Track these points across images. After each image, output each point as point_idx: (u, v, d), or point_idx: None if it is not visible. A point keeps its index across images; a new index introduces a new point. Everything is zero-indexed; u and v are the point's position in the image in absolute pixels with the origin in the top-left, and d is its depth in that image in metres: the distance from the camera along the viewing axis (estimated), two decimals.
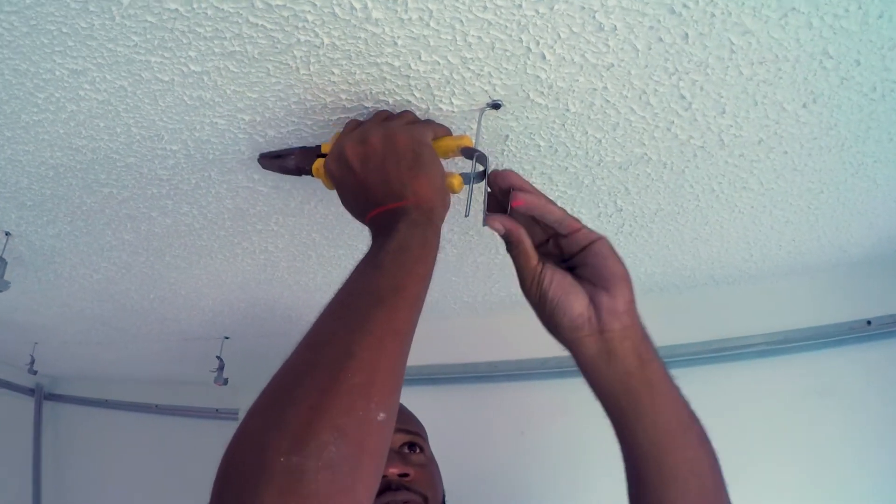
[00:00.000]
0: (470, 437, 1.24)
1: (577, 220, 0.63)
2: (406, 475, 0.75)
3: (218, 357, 1.52)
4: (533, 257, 0.64)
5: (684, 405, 0.61)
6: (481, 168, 0.65)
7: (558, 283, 0.63)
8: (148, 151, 0.83)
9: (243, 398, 0.90)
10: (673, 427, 0.59)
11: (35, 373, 1.88)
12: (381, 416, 0.43)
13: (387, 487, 0.73)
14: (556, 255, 0.66)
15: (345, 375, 0.43)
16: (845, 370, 1.04)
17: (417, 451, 0.81)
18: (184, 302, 1.32)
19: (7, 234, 1.12)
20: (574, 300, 0.62)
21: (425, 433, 0.86)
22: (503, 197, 0.64)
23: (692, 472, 0.58)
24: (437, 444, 1.27)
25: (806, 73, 0.67)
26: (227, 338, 1.53)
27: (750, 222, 0.95)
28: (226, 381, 1.52)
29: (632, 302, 0.61)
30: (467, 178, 0.65)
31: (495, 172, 0.64)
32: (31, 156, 0.85)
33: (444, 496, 0.80)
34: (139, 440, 2.03)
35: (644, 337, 0.62)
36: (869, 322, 1.05)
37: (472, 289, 1.19)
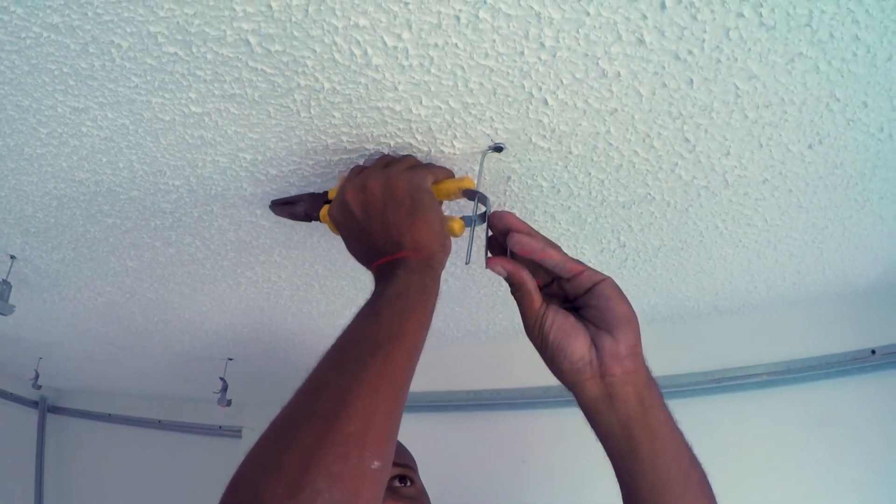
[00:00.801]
0: (471, 464, 1.23)
1: (579, 263, 0.62)
2: None
3: (221, 378, 1.52)
4: (536, 300, 0.63)
5: (686, 451, 0.60)
6: (483, 209, 0.64)
7: (559, 325, 0.61)
8: (150, 186, 0.83)
9: (247, 416, 0.91)
10: (673, 474, 0.58)
11: (39, 387, 1.89)
12: (376, 464, 0.43)
13: None
14: (561, 295, 0.64)
15: (340, 424, 0.43)
16: (849, 400, 1.03)
17: (409, 483, 0.81)
18: (187, 326, 1.31)
19: (12, 257, 1.12)
20: (575, 343, 0.60)
21: (415, 464, 0.86)
22: (503, 239, 0.64)
23: None
24: (439, 471, 1.26)
25: (812, 116, 0.67)
26: (230, 359, 1.53)
27: (754, 256, 0.94)
28: (229, 403, 1.52)
29: (636, 346, 0.59)
30: (469, 221, 0.65)
31: (494, 214, 0.64)
32: (35, 186, 0.86)
33: None
34: (142, 455, 2.03)
35: (648, 381, 0.60)
36: (873, 352, 1.04)
37: (474, 318, 1.18)
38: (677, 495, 0.57)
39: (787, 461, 1.03)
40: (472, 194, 0.65)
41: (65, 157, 0.79)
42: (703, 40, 0.56)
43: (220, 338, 1.39)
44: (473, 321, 1.19)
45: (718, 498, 1.01)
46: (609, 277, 0.61)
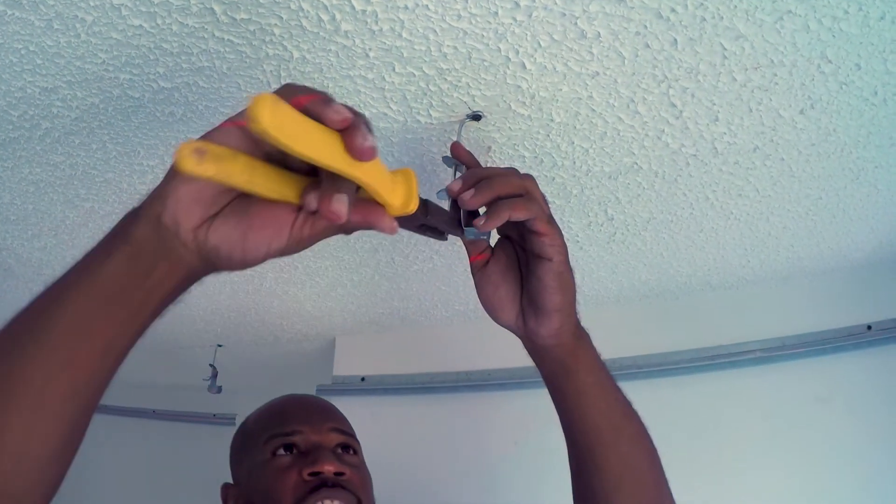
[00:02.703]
0: (462, 445, 1.22)
1: (548, 223, 0.54)
2: (342, 474, 0.74)
3: (211, 365, 1.51)
4: (471, 252, 0.61)
5: (618, 407, 0.61)
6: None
7: (491, 290, 0.60)
8: (126, 167, 0.81)
9: (240, 403, 0.89)
10: (602, 427, 0.59)
11: None
12: None
13: (322, 484, 0.72)
14: (517, 240, 0.60)
15: None
16: (845, 376, 1.01)
17: (352, 452, 0.81)
18: (174, 312, 1.29)
19: None
20: (500, 310, 0.60)
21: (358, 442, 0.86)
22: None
23: (627, 468, 0.59)
24: (429, 453, 1.25)
25: (803, 79, 0.64)
26: (220, 345, 1.51)
27: (746, 229, 0.92)
28: (219, 390, 1.50)
29: (559, 329, 0.57)
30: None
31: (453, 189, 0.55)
32: (11, 172, 0.84)
33: None
34: (136, 445, 2.02)
35: (574, 350, 0.58)
36: (869, 327, 1.02)
37: (462, 297, 1.16)
38: (608, 446, 0.59)
39: (784, 438, 1.02)
40: (448, 161, 0.62)
41: (38, 141, 0.76)
42: None
43: (207, 324, 1.37)
44: (460, 300, 1.17)
45: (715, 476, 1.01)
46: (559, 256, 0.55)
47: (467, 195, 0.52)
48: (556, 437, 1.14)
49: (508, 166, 0.59)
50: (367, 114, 0.67)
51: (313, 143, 0.37)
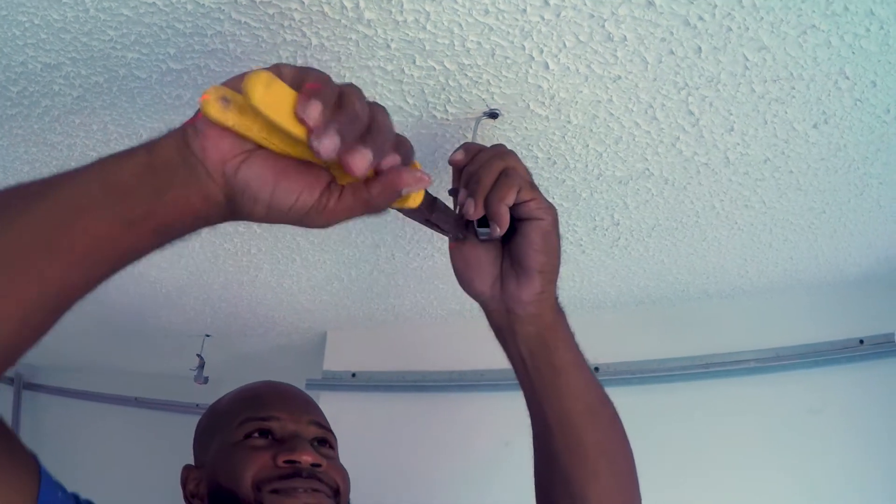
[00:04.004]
0: (454, 445, 1.21)
1: (532, 190, 0.54)
2: (318, 465, 0.71)
3: (199, 355, 1.48)
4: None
5: (594, 390, 0.60)
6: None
7: (464, 255, 0.59)
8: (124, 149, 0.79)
9: (224, 394, 0.87)
10: (578, 409, 0.58)
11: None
12: None
13: (296, 474, 0.69)
14: None
15: None
16: (836, 388, 1.02)
17: (328, 447, 0.78)
18: (165, 300, 1.27)
19: None
20: (476, 277, 0.58)
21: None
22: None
23: (602, 453, 0.58)
24: (421, 452, 1.24)
25: (820, 93, 0.64)
26: (208, 335, 1.49)
27: (748, 239, 0.92)
28: (206, 380, 1.48)
29: (542, 293, 0.56)
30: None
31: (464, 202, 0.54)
32: (6, 150, 0.81)
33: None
34: (118, 432, 1.99)
35: (553, 323, 0.58)
36: (861, 341, 1.03)
37: (459, 296, 1.14)
38: (584, 430, 0.57)
39: (776, 448, 1.02)
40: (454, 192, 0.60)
41: (36, 119, 0.74)
42: (715, 6, 0.53)
43: (198, 313, 1.35)
44: (457, 299, 1.16)
45: (707, 482, 1.01)
46: (548, 217, 0.54)
47: (469, 207, 0.52)
48: None
49: (492, 146, 0.57)
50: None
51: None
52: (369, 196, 0.42)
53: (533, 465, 0.63)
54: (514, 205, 0.53)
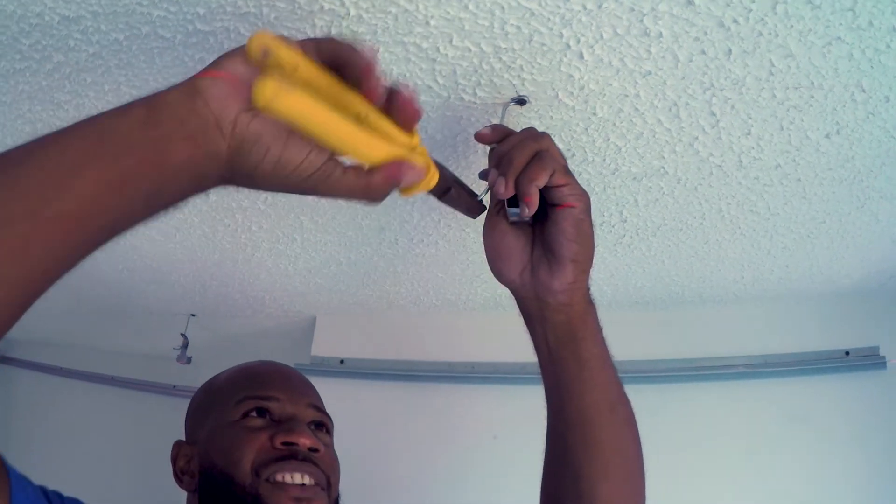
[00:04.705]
0: (442, 436, 1.21)
1: (567, 174, 0.54)
2: (316, 450, 0.71)
3: (183, 335, 1.45)
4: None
5: (616, 387, 0.60)
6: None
7: (496, 240, 0.59)
8: None
9: (203, 377, 0.86)
10: (600, 405, 0.58)
11: None
12: None
13: (292, 456, 0.69)
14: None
15: None
16: (821, 398, 1.05)
17: (325, 432, 0.78)
18: (154, 275, 1.24)
19: None
20: (509, 262, 0.58)
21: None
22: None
23: (616, 451, 0.58)
24: (408, 442, 1.24)
25: (836, 104, 0.66)
26: (193, 315, 1.46)
27: (749, 245, 0.94)
28: (189, 360, 1.45)
29: (575, 283, 0.56)
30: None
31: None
32: (8, 107, 0.78)
33: (338, 494, 0.76)
34: (93, 411, 1.94)
35: (584, 314, 0.58)
36: (847, 353, 1.06)
37: (456, 287, 1.15)
38: (606, 424, 0.58)
39: (760, 452, 1.05)
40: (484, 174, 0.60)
41: (45, 75, 0.71)
42: (750, 10, 0.54)
43: (186, 291, 1.32)
44: (455, 290, 1.16)
45: (690, 481, 1.03)
46: (580, 203, 0.54)
47: (500, 187, 0.52)
48: (537, 434, 1.15)
49: (526, 128, 0.58)
50: (410, 85, 0.65)
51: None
52: (369, 181, 0.43)
53: (543, 459, 0.63)
54: (547, 188, 0.53)
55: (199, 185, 0.41)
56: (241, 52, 0.42)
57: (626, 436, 0.60)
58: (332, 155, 0.42)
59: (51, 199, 0.35)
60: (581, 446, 0.58)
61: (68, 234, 0.36)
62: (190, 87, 0.39)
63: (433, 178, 0.50)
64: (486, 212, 0.60)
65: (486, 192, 0.57)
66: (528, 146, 0.53)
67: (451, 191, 0.54)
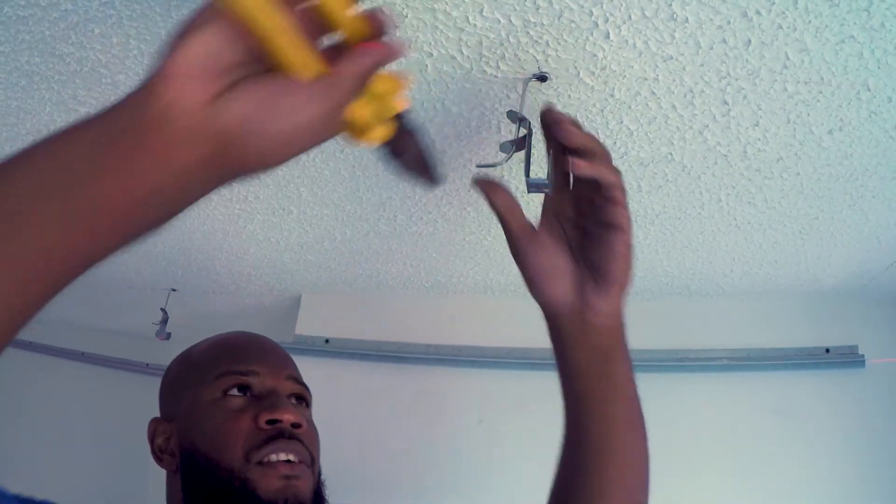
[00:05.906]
0: (426, 419, 1.21)
1: (622, 192, 0.54)
2: (299, 426, 0.70)
3: (162, 309, 1.42)
4: (520, 221, 0.57)
5: (637, 406, 0.60)
6: (523, 133, 0.60)
7: (543, 262, 0.57)
8: (142, 69, 0.75)
9: (177, 354, 0.84)
10: (621, 422, 0.58)
11: None
12: None
13: (279, 435, 0.68)
14: (568, 202, 0.57)
15: None
16: (802, 393, 1.08)
17: (304, 405, 0.77)
18: (135, 248, 1.20)
19: None
20: (556, 283, 0.56)
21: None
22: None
23: (630, 467, 0.59)
24: (392, 423, 1.24)
25: (841, 101, 0.68)
26: (174, 290, 1.43)
27: (742, 238, 0.96)
28: (168, 336, 1.42)
29: (618, 307, 0.57)
30: (507, 147, 0.61)
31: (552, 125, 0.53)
32: (6, 58, 0.75)
33: (320, 469, 0.75)
34: (64, 388, 1.88)
35: (620, 339, 0.58)
36: (828, 350, 1.10)
37: (448, 267, 1.15)
38: (625, 441, 0.58)
39: (740, 444, 1.08)
40: (513, 116, 0.62)
41: (49, 25, 0.69)
42: (773, 2, 0.56)
43: (169, 264, 1.29)
44: (447, 270, 1.16)
45: (672, 472, 1.05)
46: (630, 229, 0.55)
47: (583, 163, 0.51)
48: (522, 419, 1.15)
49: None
50: (433, 53, 0.65)
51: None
52: (335, 79, 0.37)
53: (556, 464, 0.63)
54: (602, 201, 0.53)
55: (197, 193, 0.38)
56: (201, 18, 0.35)
57: (640, 453, 0.60)
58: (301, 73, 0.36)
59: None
60: (596, 458, 0.58)
61: (26, 284, 0.33)
62: (147, 94, 0.33)
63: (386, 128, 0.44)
64: (502, 222, 0.57)
65: (540, 185, 0.57)
66: (610, 158, 0.54)
67: (409, 153, 0.47)
